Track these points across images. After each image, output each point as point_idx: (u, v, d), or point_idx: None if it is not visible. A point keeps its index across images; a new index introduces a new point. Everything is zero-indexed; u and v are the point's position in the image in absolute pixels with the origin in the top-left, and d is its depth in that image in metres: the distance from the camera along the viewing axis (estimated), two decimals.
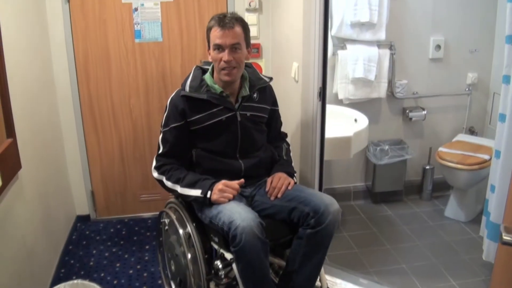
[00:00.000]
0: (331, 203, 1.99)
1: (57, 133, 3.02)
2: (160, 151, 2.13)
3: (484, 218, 2.63)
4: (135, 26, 3.05)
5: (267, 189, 2.12)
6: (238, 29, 2.00)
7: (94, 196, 3.32)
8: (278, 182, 2.12)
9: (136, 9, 3.02)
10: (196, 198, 2.00)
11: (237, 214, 1.84)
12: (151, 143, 3.28)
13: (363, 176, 3.64)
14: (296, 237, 2.03)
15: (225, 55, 1.98)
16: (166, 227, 2.30)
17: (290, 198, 2.06)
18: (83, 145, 3.19)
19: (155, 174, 2.14)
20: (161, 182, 2.12)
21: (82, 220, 3.32)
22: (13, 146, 2.12)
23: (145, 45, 3.10)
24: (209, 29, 2.03)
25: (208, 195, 1.96)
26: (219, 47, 1.99)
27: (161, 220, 2.36)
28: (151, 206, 3.41)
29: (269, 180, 2.15)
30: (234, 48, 1.99)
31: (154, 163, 2.15)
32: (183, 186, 2.03)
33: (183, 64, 3.18)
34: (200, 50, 3.17)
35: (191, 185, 2.01)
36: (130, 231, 3.23)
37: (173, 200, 2.30)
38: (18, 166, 2.18)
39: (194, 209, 2.15)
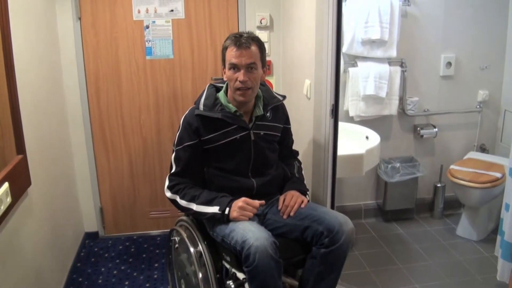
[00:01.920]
0: (346, 222, 1.96)
1: (66, 149, 3.01)
2: (173, 170, 2.10)
3: (498, 238, 2.59)
4: (146, 43, 3.06)
5: (279, 207, 2.10)
6: (254, 48, 1.99)
7: (103, 213, 3.30)
8: (290, 200, 2.09)
9: (147, 27, 3.03)
10: (213, 215, 1.97)
11: (251, 233, 1.82)
12: (161, 160, 3.27)
13: (374, 194, 3.60)
14: (310, 257, 2.00)
15: (240, 75, 1.96)
16: (176, 245, 2.28)
17: (303, 217, 2.03)
18: (93, 162, 3.18)
19: (168, 193, 2.10)
20: (174, 201, 2.08)
21: (91, 237, 3.30)
22: (23, 163, 2.11)
23: (156, 62, 3.11)
24: (225, 48, 2.02)
25: (226, 212, 1.93)
26: (235, 67, 1.97)
27: (171, 238, 2.34)
28: (160, 224, 3.39)
29: (281, 198, 2.13)
30: (250, 68, 1.97)
31: (167, 183, 2.11)
32: (199, 203, 2.00)
33: (193, 81, 3.18)
34: (211, 68, 3.17)
35: (208, 202, 1.99)
36: (139, 249, 3.20)
37: (184, 218, 2.28)
38: (28, 182, 2.17)
39: (205, 227, 2.13)
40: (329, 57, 2.35)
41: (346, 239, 1.92)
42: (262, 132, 2.12)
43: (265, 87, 2.22)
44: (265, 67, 2.10)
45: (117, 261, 3.04)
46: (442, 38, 3.30)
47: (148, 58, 3.09)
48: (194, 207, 2.01)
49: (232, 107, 2.06)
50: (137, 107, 3.16)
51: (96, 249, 3.18)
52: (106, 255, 3.11)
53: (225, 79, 2.07)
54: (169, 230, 3.27)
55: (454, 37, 3.32)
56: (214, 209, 1.96)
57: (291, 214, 2.05)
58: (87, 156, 3.15)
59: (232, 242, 1.87)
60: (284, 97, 2.24)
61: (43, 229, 2.41)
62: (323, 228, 1.94)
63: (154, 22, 3.04)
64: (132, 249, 3.19)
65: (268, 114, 2.16)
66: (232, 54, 1.97)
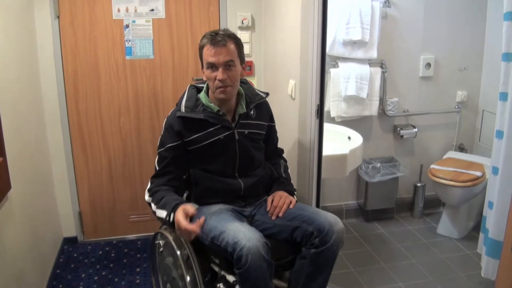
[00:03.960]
0: (336, 222, 1.96)
1: (44, 152, 2.92)
2: (155, 172, 2.06)
3: (481, 235, 2.63)
4: (126, 43, 3.00)
5: (267, 208, 2.07)
6: (231, 46, 1.94)
7: (82, 217, 3.21)
8: (279, 201, 2.07)
9: (127, 26, 2.97)
10: (163, 219, 1.94)
11: (242, 234, 1.78)
12: (141, 162, 3.21)
13: (355, 194, 3.62)
14: (300, 257, 1.98)
15: (219, 74, 1.92)
16: (161, 249, 2.22)
17: (292, 217, 2.01)
18: (71, 164, 3.10)
19: (146, 196, 2.07)
20: (150, 205, 2.05)
21: (69, 242, 3.21)
22: (3, 166, 2.04)
23: (136, 62, 3.05)
24: (201, 48, 1.97)
25: (171, 219, 1.89)
26: (213, 66, 1.93)
27: (156, 242, 2.28)
28: (141, 227, 3.32)
29: (269, 199, 2.10)
30: (228, 65, 1.93)
31: (148, 186, 2.08)
32: (157, 207, 1.98)
33: (174, 82, 3.13)
34: (192, 68, 3.13)
35: (162, 206, 1.96)
36: (119, 254, 3.12)
37: None
38: (8, 186, 2.09)
39: None
40: (314, 58, 2.34)
41: (336, 239, 1.92)
42: (246, 131, 2.09)
43: (247, 84, 2.18)
44: (244, 63, 2.05)
45: (98, 266, 2.96)
46: (421, 40, 3.34)
47: (128, 58, 3.03)
48: (155, 210, 1.99)
49: (214, 107, 2.03)
50: (116, 108, 3.09)
51: (75, 255, 3.09)
52: (86, 260, 3.03)
53: (204, 79, 2.03)
54: (149, 234, 3.27)
55: (433, 38, 3.37)
56: (163, 213, 1.94)
57: (280, 215, 2.03)
58: (65, 159, 3.06)
59: (222, 244, 1.82)
60: (267, 94, 2.20)
61: (23, 234, 2.33)
62: (313, 228, 1.93)
63: (134, 21, 2.98)
64: (112, 254, 3.11)
65: (251, 112, 2.12)
66: (208, 53, 1.92)
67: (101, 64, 2.99)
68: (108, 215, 3.26)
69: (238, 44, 2.01)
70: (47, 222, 2.86)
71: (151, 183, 2.05)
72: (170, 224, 1.91)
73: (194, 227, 1.80)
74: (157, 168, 2.06)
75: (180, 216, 1.83)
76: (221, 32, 1.96)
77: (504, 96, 2.28)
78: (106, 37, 2.96)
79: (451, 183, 3.06)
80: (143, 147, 3.19)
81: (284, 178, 2.26)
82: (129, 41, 3.00)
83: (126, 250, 3.16)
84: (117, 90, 3.06)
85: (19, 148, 2.34)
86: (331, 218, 1.97)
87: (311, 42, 2.33)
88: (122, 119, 3.11)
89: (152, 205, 2.01)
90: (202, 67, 2.00)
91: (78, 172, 3.13)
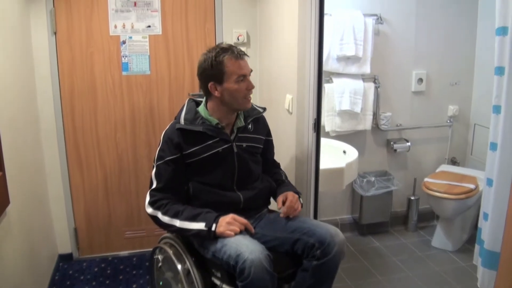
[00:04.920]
0: (336, 234, 1.97)
1: (40, 167, 2.91)
2: (154, 185, 2.03)
3: (477, 247, 2.65)
4: (123, 58, 3.02)
5: (278, 206, 2.10)
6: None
7: (77, 234, 3.18)
8: (292, 200, 2.09)
9: (124, 42, 2.99)
10: (198, 232, 1.91)
11: (245, 247, 1.79)
12: (137, 178, 3.20)
13: (350, 208, 3.64)
14: (301, 270, 1.98)
15: (250, 83, 2.02)
16: (160, 264, 2.21)
17: (293, 229, 2.02)
18: (67, 180, 3.08)
19: (149, 209, 2.02)
20: (155, 218, 2.01)
21: (64, 259, 3.17)
22: (3, 181, 2.02)
23: (132, 77, 3.06)
24: (220, 63, 1.97)
25: (213, 228, 1.89)
26: (243, 77, 1.99)
27: (154, 257, 2.27)
28: (136, 243, 3.30)
29: (280, 198, 2.12)
30: (249, 75, 2.04)
31: (148, 199, 2.04)
32: (183, 219, 1.94)
33: (170, 97, 3.15)
34: (188, 83, 3.15)
35: (193, 218, 1.93)
36: (115, 270, 3.09)
37: (168, 235, 2.22)
38: (7, 201, 2.08)
39: (191, 243, 2.09)
40: (311, 73, 2.38)
41: (338, 250, 1.93)
42: (244, 144, 2.12)
43: None
44: None
45: (94, 283, 2.93)
46: (413, 55, 3.41)
47: (125, 74, 3.05)
48: (178, 223, 1.94)
49: (213, 120, 2.05)
50: (112, 124, 3.09)
51: (70, 272, 3.05)
52: (82, 277, 2.99)
53: (217, 95, 2.00)
54: (144, 250, 3.26)
55: (425, 54, 3.44)
56: (200, 225, 1.91)
57: (292, 215, 2.06)
58: (61, 174, 3.05)
59: (224, 257, 1.83)
60: (264, 109, 2.25)
61: (20, 251, 2.30)
62: (314, 240, 1.94)
63: (130, 37, 3.00)
64: (108, 271, 3.08)
65: (249, 126, 2.16)
66: (237, 66, 1.98)
67: (98, 80, 3.01)
68: (103, 231, 3.23)
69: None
70: (43, 239, 2.84)
71: (153, 196, 2.02)
72: (205, 235, 1.89)
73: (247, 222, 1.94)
74: (155, 181, 2.03)
75: (230, 216, 1.92)
76: (232, 46, 2.02)
77: (497, 109, 2.33)
78: (102, 53, 2.98)
79: (445, 195, 3.09)
80: (139, 163, 3.19)
81: (288, 182, 2.30)
82: (126, 57, 3.02)
83: (122, 267, 3.13)
84: (113, 106, 3.07)
85: (16, 163, 2.33)
86: (332, 229, 1.98)
87: (308, 57, 2.37)
88: (118, 135, 3.12)
89: (165, 217, 1.97)
90: (215, 83, 2.00)
91: (74, 188, 3.12)
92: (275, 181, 2.28)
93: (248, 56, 2.05)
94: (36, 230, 2.65)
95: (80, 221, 3.17)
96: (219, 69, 1.97)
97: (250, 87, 2.01)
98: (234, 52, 1.97)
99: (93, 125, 3.06)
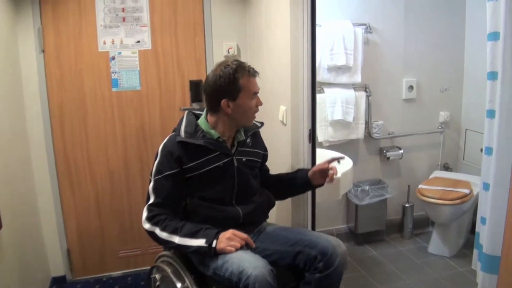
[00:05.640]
0: (338, 245, 1.95)
1: (30, 187, 2.85)
2: (152, 200, 1.97)
3: (475, 251, 2.65)
4: (112, 74, 2.98)
5: (316, 168, 2.20)
6: None
7: (70, 255, 3.11)
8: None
9: (113, 58, 2.96)
10: (198, 248, 1.87)
11: (247, 263, 1.75)
12: (129, 195, 3.15)
13: (345, 218, 3.63)
14: (303, 283, 1.96)
15: (259, 100, 2.05)
16: (158, 283, 2.16)
17: (294, 242, 2.00)
18: (58, 200, 3.01)
19: (147, 225, 1.95)
20: (153, 234, 1.95)
21: (58, 282, 3.08)
22: None
23: (122, 93, 3.03)
24: (237, 79, 1.96)
25: (214, 245, 1.85)
26: (256, 94, 2.04)
27: (151, 276, 2.21)
28: (131, 263, 3.24)
29: (315, 168, 2.21)
30: None
31: (145, 214, 1.98)
32: (182, 236, 1.88)
33: (162, 113, 3.12)
34: (179, 98, 3.13)
35: (193, 235, 1.88)
36: None
37: (166, 253, 2.17)
38: None
39: (190, 260, 2.05)
40: (305, 83, 2.37)
41: (340, 261, 1.91)
42: (244, 158, 2.10)
43: None
44: None
45: None
46: (403, 63, 3.43)
47: (114, 90, 3.01)
48: (177, 239, 1.89)
49: (214, 133, 2.03)
50: (103, 140, 3.05)
51: None
52: None
53: (229, 111, 1.99)
54: (139, 269, 3.20)
55: (414, 62, 3.47)
56: (200, 242, 1.86)
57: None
58: (52, 194, 2.98)
59: (226, 274, 1.79)
60: (262, 123, 2.25)
61: (13, 275, 2.24)
62: (316, 252, 1.92)
63: (120, 53, 2.97)
64: None
65: (248, 140, 2.15)
66: (253, 83, 2.02)
67: (88, 97, 2.96)
68: (97, 251, 3.16)
69: None
70: (36, 262, 2.77)
71: (151, 211, 1.96)
72: (206, 252, 1.85)
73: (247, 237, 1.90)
74: (153, 196, 1.97)
75: (230, 231, 1.88)
76: (243, 62, 2.04)
77: (491, 113, 2.35)
78: (92, 69, 2.94)
79: (440, 201, 3.10)
80: (131, 180, 3.14)
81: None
82: (115, 73, 2.99)
83: (117, 287, 3.06)
84: (104, 122, 3.02)
85: (6, 184, 2.28)
86: (334, 240, 1.97)
87: (301, 68, 2.37)
88: (110, 151, 3.07)
89: (163, 233, 1.91)
90: (229, 99, 1.98)
91: (65, 207, 3.05)
92: (283, 176, 2.33)
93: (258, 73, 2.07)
94: (28, 253, 2.59)
95: (73, 242, 3.10)
96: (236, 86, 1.96)
97: (259, 104, 2.05)
98: (249, 69, 2.00)
99: (84, 142, 3.01)
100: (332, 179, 2.20)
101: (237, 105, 1.98)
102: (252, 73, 2.01)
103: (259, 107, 2.08)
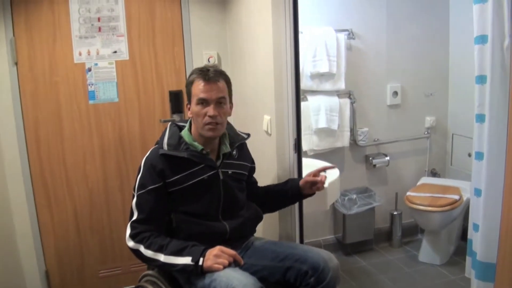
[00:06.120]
0: (330, 258, 1.88)
1: (5, 206, 2.71)
2: (135, 217, 1.88)
3: (468, 259, 2.60)
4: (89, 86, 2.87)
5: (309, 179, 2.14)
6: (222, 83, 1.92)
7: (49, 276, 2.95)
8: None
9: (89, 69, 2.85)
10: (184, 267, 1.77)
11: (236, 281, 1.66)
12: (109, 211, 3.02)
13: (332, 228, 3.55)
14: None
15: (210, 110, 1.87)
16: None
17: (283, 257, 1.92)
18: (35, 218, 2.87)
19: (131, 243, 1.86)
20: (137, 252, 1.85)
21: None
22: None
23: (100, 106, 2.91)
24: (190, 83, 1.92)
25: (200, 262, 1.75)
26: (203, 102, 1.88)
27: None
28: (112, 283, 3.09)
29: (307, 178, 2.15)
30: (219, 102, 1.90)
31: (128, 231, 1.88)
32: (167, 254, 1.79)
33: (141, 125, 3.01)
34: (159, 109, 3.03)
35: (178, 253, 1.78)
36: None
37: (150, 272, 2.06)
38: None
39: (176, 280, 1.94)
40: (289, 91, 2.32)
41: (333, 276, 1.84)
42: (230, 171, 2.02)
43: (229, 124, 2.13)
44: (231, 102, 2.02)
45: None
46: (386, 69, 3.39)
47: (91, 102, 2.90)
48: (162, 258, 1.79)
49: (198, 146, 1.94)
50: (81, 155, 2.93)
51: None
52: None
53: (189, 115, 1.96)
54: None
55: (398, 67, 3.43)
56: (186, 260, 1.77)
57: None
58: (28, 213, 2.84)
59: None
60: (248, 135, 2.17)
61: None
62: (307, 267, 1.84)
63: (96, 64, 2.86)
64: None
65: (234, 152, 2.07)
66: (200, 89, 1.87)
67: (64, 111, 2.84)
68: (76, 271, 3.02)
69: (228, 82, 1.98)
70: (12, 284, 2.62)
71: (134, 228, 1.86)
72: (192, 270, 1.75)
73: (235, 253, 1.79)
74: (136, 212, 1.88)
75: (217, 248, 1.77)
76: (212, 69, 1.91)
77: (481, 118, 2.30)
78: (67, 82, 2.82)
79: (430, 208, 3.04)
80: (111, 195, 3.02)
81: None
82: (92, 84, 2.88)
83: None
84: (81, 136, 2.90)
85: None
86: (325, 254, 1.90)
87: (285, 76, 2.31)
88: (88, 166, 2.95)
89: (148, 251, 1.81)
90: (188, 103, 1.94)
91: (43, 226, 2.91)
92: (273, 188, 2.25)
93: (223, 80, 1.93)
94: (4, 275, 2.45)
95: (51, 263, 2.95)
96: (189, 89, 1.94)
97: (210, 113, 1.87)
98: (206, 74, 1.88)
99: (61, 158, 2.89)
100: (322, 186, 2.14)
101: (191, 111, 1.93)
102: (202, 76, 1.89)
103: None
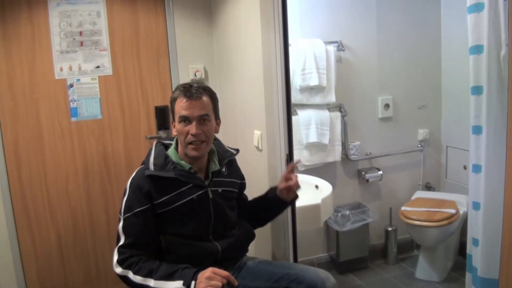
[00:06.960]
0: (327, 278, 1.80)
1: None
2: (122, 241, 1.77)
3: (468, 275, 2.50)
4: (71, 103, 2.77)
5: (281, 186, 2.00)
6: (206, 99, 1.82)
7: None
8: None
9: (71, 85, 2.76)
10: None
11: None
12: (93, 233, 2.90)
13: (325, 246, 3.44)
14: None
15: (192, 128, 1.78)
16: None
17: (279, 277, 1.83)
18: (15, 243, 2.75)
19: (118, 269, 1.74)
20: (125, 278, 1.73)
21: None
22: None
23: (83, 123, 2.81)
24: (173, 100, 1.83)
25: (192, 286, 1.63)
26: (186, 119, 1.79)
27: None
28: None
29: (280, 186, 2.01)
30: (202, 120, 1.80)
31: (116, 257, 1.77)
32: (157, 278, 1.68)
33: (126, 142, 2.91)
34: (144, 126, 2.93)
35: (169, 276, 1.67)
36: None
37: None
38: None
39: None
40: (280, 106, 2.26)
41: None
42: (220, 189, 1.92)
43: (217, 140, 2.05)
44: (218, 119, 1.93)
45: None
46: (377, 81, 3.32)
47: (74, 119, 2.80)
48: (152, 283, 1.68)
49: (185, 164, 1.84)
50: (63, 175, 2.81)
51: None
52: None
53: (174, 133, 1.86)
54: None
55: (389, 79, 3.36)
56: (177, 284, 1.65)
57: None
58: (9, 237, 2.71)
59: None
60: (237, 150, 2.08)
61: None
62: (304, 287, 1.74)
63: (78, 80, 2.77)
64: None
65: (223, 169, 1.97)
66: (182, 106, 1.78)
67: (45, 129, 2.74)
68: None
69: (213, 98, 1.88)
70: None
71: (122, 253, 1.75)
72: None
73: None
74: (123, 236, 1.77)
75: (209, 269, 1.64)
76: (195, 85, 1.83)
77: (477, 129, 2.23)
78: (48, 98, 2.73)
79: (426, 223, 2.95)
80: (95, 216, 2.90)
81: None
82: (74, 101, 2.78)
83: None
84: (63, 155, 2.79)
85: None
86: (322, 273, 1.81)
87: (276, 90, 2.25)
88: (71, 187, 2.83)
89: (137, 277, 1.70)
90: (173, 121, 1.85)
91: (24, 252, 2.78)
92: (254, 202, 2.14)
93: (207, 96, 1.84)
94: None
95: None
96: (172, 106, 1.86)
97: (193, 132, 1.78)
98: (188, 91, 1.80)
99: (42, 179, 2.77)
100: (296, 186, 2.02)
101: (176, 129, 1.84)
102: (183, 93, 1.80)
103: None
